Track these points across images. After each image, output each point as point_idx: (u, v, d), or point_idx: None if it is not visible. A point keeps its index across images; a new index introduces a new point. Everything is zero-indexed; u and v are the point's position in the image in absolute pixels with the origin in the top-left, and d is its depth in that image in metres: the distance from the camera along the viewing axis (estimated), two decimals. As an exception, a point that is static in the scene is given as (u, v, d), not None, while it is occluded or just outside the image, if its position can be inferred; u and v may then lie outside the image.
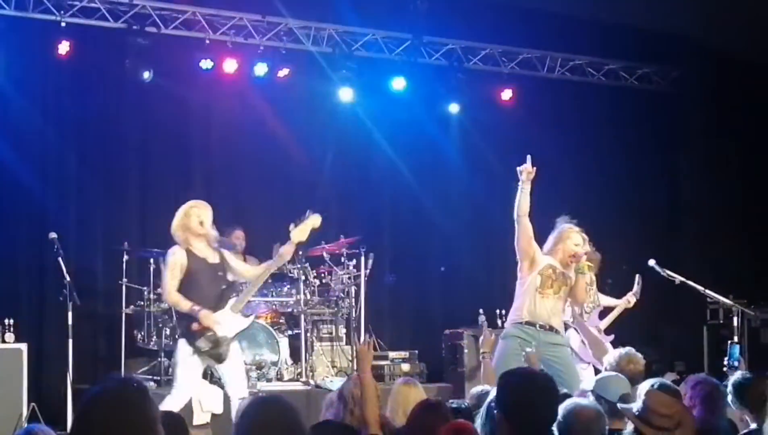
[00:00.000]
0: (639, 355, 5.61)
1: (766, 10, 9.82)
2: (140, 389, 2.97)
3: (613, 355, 5.70)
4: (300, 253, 9.54)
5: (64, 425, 7.60)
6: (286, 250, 7.05)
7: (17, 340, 8.24)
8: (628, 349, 5.69)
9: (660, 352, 9.98)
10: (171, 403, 6.70)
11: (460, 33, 11.03)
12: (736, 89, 11.09)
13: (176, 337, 7.52)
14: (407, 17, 10.47)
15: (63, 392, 7.84)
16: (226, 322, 6.95)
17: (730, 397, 4.98)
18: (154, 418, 2.93)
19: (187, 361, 6.93)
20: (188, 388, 7.02)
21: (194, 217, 6.93)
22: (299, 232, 7.03)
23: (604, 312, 8.50)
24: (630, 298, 8.47)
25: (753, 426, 4.88)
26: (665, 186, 11.97)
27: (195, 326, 6.86)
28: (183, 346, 6.96)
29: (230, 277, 7.14)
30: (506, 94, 11.30)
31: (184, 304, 6.86)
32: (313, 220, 7.12)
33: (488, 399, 3.97)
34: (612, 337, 8.29)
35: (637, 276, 8.39)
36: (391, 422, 4.98)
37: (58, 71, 9.58)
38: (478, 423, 3.97)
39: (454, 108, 11.14)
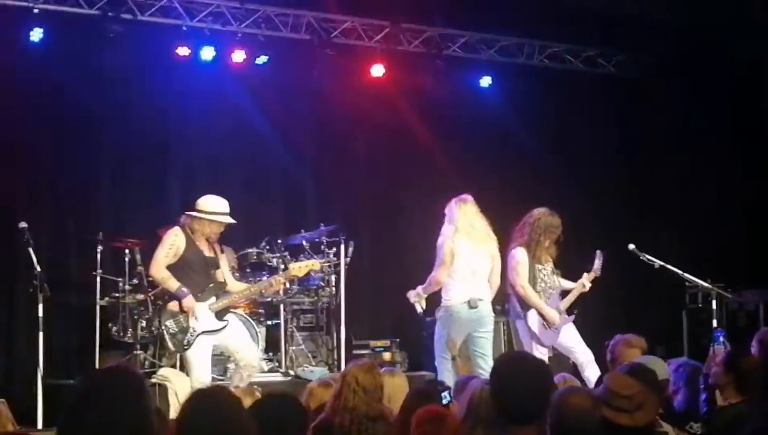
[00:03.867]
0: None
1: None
2: (138, 377, 2.84)
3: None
4: (279, 241, 9.47)
5: (34, 421, 7.47)
6: (277, 280, 7.52)
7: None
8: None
9: (640, 337, 9.94)
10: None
11: (438, 20, 10.96)
12: (711, 75, 11.09)
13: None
14: (385, 4, 10.40)
15: (33, 387, 7.69)
16: (200, 315, 6.97)
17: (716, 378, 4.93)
18: (151, 408, 2.81)
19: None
20: (207, 367, 7.00)
21: (214, 227, 7.08)
22: (297, 268, 7.41)
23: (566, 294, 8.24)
24: (585, 282, 7.96)
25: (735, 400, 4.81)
26: (644, 171, 11.95)
27: (172, 306, 6.92)
28: None
29: (219, 278, 7.18)
30: (485, 81, 11.27)
31: (173, 283, 6.90)
32: (313, 264, 7.72)
33: None
34: (573, 317, 8.01)
35: (598, 251, 8.02)
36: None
37: (31, 58, 9.38)
38: None
39: (432, 95, 11.06)
